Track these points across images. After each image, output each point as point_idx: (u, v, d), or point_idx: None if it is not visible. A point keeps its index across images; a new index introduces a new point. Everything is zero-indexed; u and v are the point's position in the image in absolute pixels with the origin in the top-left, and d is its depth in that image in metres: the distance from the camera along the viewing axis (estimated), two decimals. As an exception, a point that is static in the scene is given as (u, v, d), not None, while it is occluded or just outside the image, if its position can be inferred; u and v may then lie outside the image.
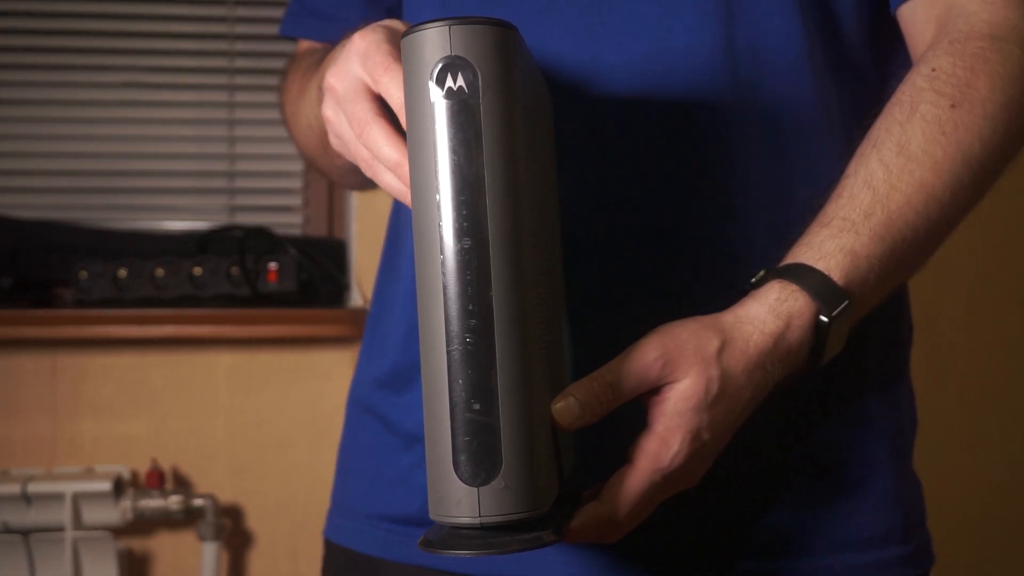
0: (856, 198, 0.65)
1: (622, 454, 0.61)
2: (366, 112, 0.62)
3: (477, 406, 0.52)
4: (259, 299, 1.74)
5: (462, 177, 0.52)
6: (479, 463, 0.52)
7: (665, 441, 0.59)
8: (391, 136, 0.61)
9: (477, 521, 0.53)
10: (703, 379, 0.59)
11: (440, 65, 0.53)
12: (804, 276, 0.63)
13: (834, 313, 0.62)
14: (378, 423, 0.84)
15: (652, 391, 0.60)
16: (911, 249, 0.66)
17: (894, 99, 0.70)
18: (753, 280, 0.65)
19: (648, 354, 0.59)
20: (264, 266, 1.75)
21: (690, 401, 0.59)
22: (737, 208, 0.74)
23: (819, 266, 0.63)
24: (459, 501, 0.53)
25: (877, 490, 0.76)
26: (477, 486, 0.52)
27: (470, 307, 0.52)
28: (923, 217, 0.66)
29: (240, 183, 2.03)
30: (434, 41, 0.53)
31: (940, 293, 1.96)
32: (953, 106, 0.67)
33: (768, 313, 0.62)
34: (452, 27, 0.53)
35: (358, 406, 0.88)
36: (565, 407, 0.57)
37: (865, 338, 0.75)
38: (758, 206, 0.74)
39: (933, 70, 0.69)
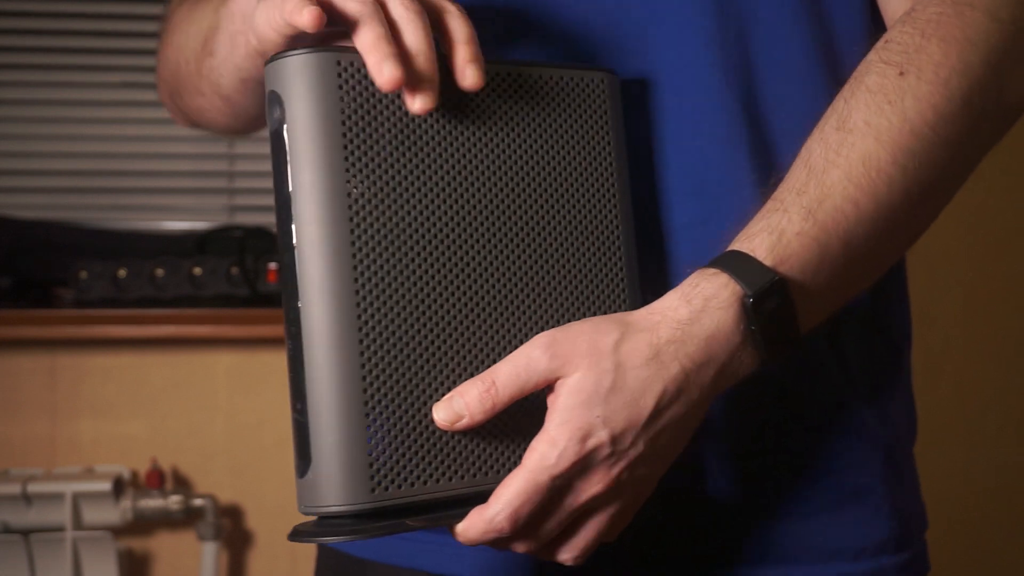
0: (791, 179, 0.62)
1: None
2: None
3: (298, 405, 0.58)
4: (259, 299, 1.75)
5: (278, 199, 0.58)
6: (299, 457, 0.57)
7: (552, 439, 0.56)
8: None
9: (302, 510, 0.58)
10: (593, 372, 0.56)
11: (267, 99, 0.58)
12: (724, 259, 0.59)
13: (758, 290, 0.57)
14: None
15: (550, 390, 0.57)
16: (858, 227, 0.61)
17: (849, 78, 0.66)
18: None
19: (532, 349, 0.57)
20: (264, 266, 1.75)
21: (579, 396, 0.56)
22: (724, 212, 0.73)
23: (742, 248, 0.59)
24: (298, 493, 0.58)
25: (869, 499, 0.75)
26: (299, 478, 0.57)
27: (289, 315, 0.59)
28: (867, 192, 0.61)
29: (240, 183, 2.03)
30: (267, 76, 0.59)
31: (936, 290, 1.96)
32: (901, 74, 0.63)
33: (679, 300, 0.58)
34: (268, 64, 0.58)
35: None
36: (443, 408, 0.57)
37: (842, 342, 0.73)
38: (746, 211, 0.73)
39: (886, 42, 0.65)
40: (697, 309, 0.58)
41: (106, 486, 1.66)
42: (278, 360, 1.81)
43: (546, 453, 0.56)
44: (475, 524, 0.57)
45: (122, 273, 1.74)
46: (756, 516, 0.74)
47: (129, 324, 1.73)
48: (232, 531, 1.79)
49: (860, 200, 0.61)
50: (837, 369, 0.73)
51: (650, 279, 0.72)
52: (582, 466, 0.57)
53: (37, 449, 1.76)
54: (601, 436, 0.56)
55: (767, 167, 0.72)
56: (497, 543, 0.59)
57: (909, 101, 0.62)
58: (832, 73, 0.73)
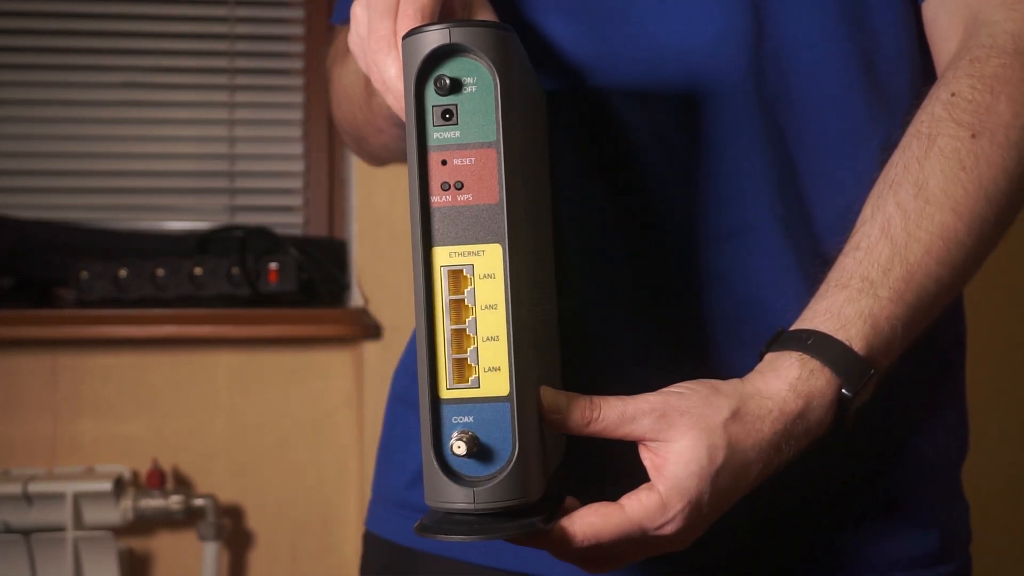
0: (873, 251, 0.63)
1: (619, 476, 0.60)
2: (389, 33, 0.61)
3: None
4: (260, 299, 1.75)
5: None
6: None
7: (665, 505, 0.57)
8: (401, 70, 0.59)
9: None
10: (703, 445, 0.57)
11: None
12: (825, 350, 0.60)
13: (857, 389, 0.60)
14: (413, 414, 0.84)
15: (649, 448, 0.58)
16: (935, 297, 0.64)
17: (912, 129, 0.66)
18: (770, 344, 0.63)
19: (643, 404, 0.57)
20: (264, 266, 1.75)
21: (690, 466, 0.57)
22: (756, 223, 0.72)
23: (839, 336, 0.61)
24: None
25: (910, 513, 0.75)
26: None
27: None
28: (946, 265, 0.63)
29: (240, 183, 2.03)
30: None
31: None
32: (974, 136, 0.64)
33: (788, 391, 0.60)
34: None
35: (396, 397, 0.88)
36: (551, 394, 0.56)
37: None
38: (780, 221, 0.72)
39: (952, 95, 0.65)
40: (803, 404, 0.60)
41: (107, 486, 1.66)
42: (279, 360, 1.82)
43: (655, 516, 0.57)
44: (555, 547, 0.57)
45: (123, 273, 1.74)
46: (791, 529, 0.74)
47: (130, 324, 1.73)
48: (233, 531, 1.79)
49: (940, 274, 0.63)
50: (881, 390, 0.73)
51: (680, 291, 0.72)
52: (680, 534, 0.58)
53: (38, 449, 1.76)
54: (704, 510, 0.58)
55: (793, 185, 0.72)
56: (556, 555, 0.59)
57: (984, 168, 0.63)
58: (873, 87, 0.73)
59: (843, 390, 0.60)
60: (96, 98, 2.00)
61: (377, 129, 0.84)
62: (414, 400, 0.84)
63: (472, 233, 0.54)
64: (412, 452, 0.83)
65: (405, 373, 0.87)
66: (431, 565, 0.79)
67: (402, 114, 0.61)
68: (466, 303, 0.54)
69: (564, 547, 0.57)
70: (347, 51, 0.85)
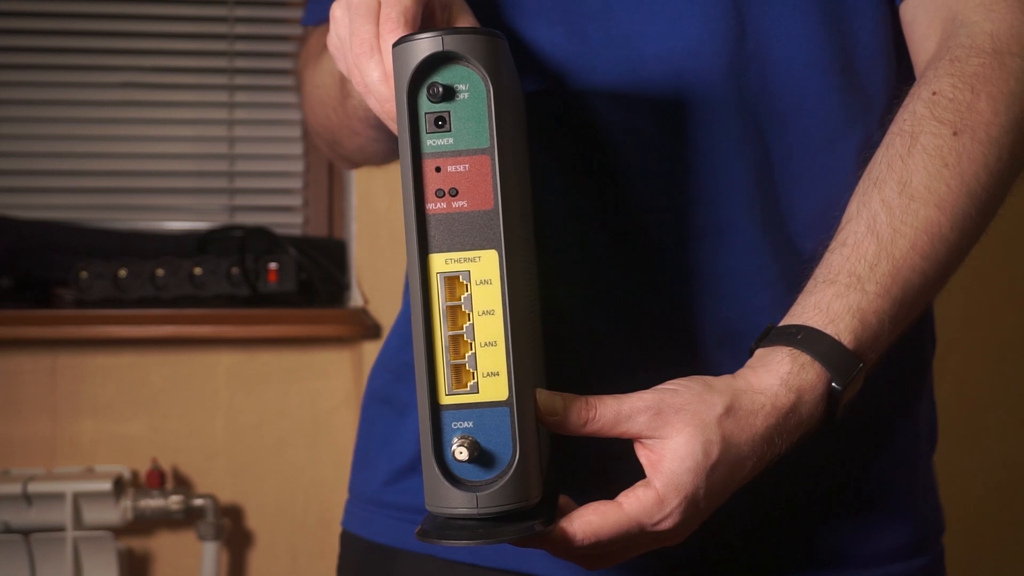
0: (860, 247, 0.64)
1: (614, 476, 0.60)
2: (372, 36, 0.61)
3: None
4: (259, 299, 1.75)
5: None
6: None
7: (662, 501, 0.57)
8: (385, 74, 0.60)
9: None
10: (699, 441, 0.57)
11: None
12: (815, 344, 0.61)
13: (847, 382, 0.61)
14: (390, 413, 0.84)
15: (645, 445, 0.58)
16: (920, 292, 0.65)
17: (895, 128, 0.67)
18: (760, 339, 0.64)
19: (638, 402, 0.58)
20: (264, 266, 1.75)
21: (686, 462, 0.57)
22: (736, 221, 0.73)
23: (828, 331, 0.62)
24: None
25: (887, 507, 0.76)
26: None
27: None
28: (931, 260, 0.64)
29: (240, 183, 2.03)
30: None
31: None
32: (955, 134, 0.65)
33: (780, 386, 0.60)
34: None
35: (373, 396, 0.88)
36: (547, 396, 0.57)
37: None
38: (759, 220, 0.73)
39: (933, 93, 0.67)
40: (795, 399, 0.61)
41: (106, 486, 1.66)
42: (278, 360, 1.82)
43: (652, 512, 0.57)
44: (556, 547, 0.58)
45: (123, 273, 1.74)
46: (770, 523, 0.74)
47: (129, 324, 1.73)
48: (232, 531, 1.80)
49: (925, 268, 0.64)
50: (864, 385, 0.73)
51: (661, 290, 0.72)
52: (676, 529, 0.59)
53: (37, 449, 1.76)
54: (700, 505, 0.58)
55: (771, 184, 0.73)
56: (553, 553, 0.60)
57: (965, 164, 0.65)
58: (851, 87, 0.73)
59: (833, 383, 0.61)
60: (96, 98, 2.00)
61: (352, 131, 0.84)
62: (392, 398, 0.84)
63: (468, 239, 0.54)
64: (389, 451, 0.83)
65: (383, 371, 0.87)
66: (408, 563, 0.79)
67: (383, 117, 0.62)
68: (463, 309, 0.54)
69: (564, 547, 0.57)
70: (319, 53, 0.85)
